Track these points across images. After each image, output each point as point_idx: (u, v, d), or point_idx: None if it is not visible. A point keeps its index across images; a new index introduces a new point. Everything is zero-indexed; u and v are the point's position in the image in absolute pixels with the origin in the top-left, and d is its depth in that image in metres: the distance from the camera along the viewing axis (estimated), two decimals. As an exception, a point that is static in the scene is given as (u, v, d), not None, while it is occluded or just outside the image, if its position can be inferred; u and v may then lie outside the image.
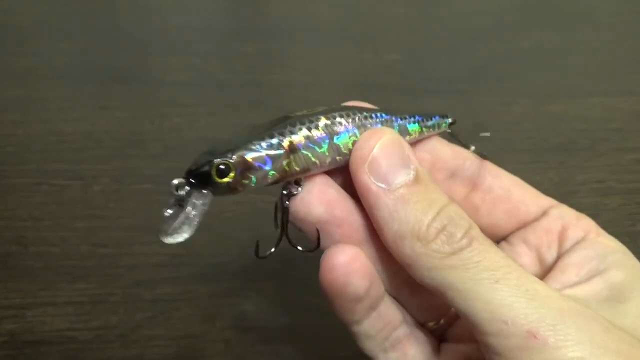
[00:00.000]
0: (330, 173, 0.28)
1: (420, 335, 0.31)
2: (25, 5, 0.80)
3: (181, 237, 0.23)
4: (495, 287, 0.23)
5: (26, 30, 0.75)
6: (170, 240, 0.23)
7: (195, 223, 0.24)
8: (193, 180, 0.24)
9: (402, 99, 0.64)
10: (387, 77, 0.70)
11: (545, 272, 0.30)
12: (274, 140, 0.25)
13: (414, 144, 0.30)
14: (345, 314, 0.28)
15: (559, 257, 0.30)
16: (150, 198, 0.49)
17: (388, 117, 0.28)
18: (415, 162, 0.26)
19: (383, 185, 0.25)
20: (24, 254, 0.44)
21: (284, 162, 0.25)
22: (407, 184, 0.25)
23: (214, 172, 0.24)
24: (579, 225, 0.30)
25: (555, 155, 0.57)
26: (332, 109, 0.27)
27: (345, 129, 0.27)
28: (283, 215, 0.27)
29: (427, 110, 0.31)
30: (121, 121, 0.58)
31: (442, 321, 0.32)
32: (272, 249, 0.28)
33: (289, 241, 0.28)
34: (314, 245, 0.27)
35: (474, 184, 0.32)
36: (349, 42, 0.78)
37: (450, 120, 0.31)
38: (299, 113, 0.27)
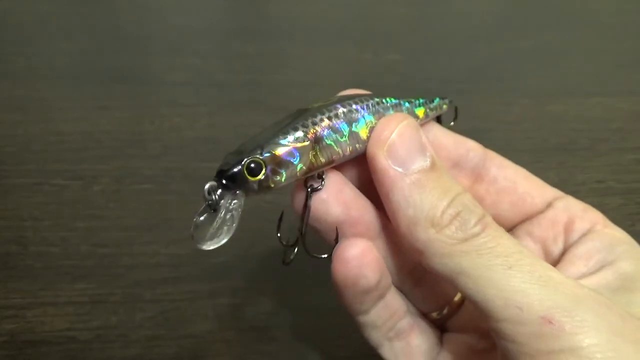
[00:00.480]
0: (340, 169, 0.28)
1: (424, 325, 0.31)
2: (25, 5, 0.80)
3: (220, 242, 0.23)
4: (509, 273, 0.23)
5: (26, 30, 0.75)
6: (210, 246, 0.23)
7: (233, 226, 0.24)
8: (225, 182, 0.24)
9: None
10: (387, 77, 0.70)
11: (552, 265, 0.30)
12: (299, 133, 0.25)
13: None
14: (355, 305, 0.28)
15: (565, 250, 0.30)
16: (150, 198, 0.49)
17: (397, 101, 0.29)
18: (431, 150, 0.26)
19: (400, 170, 0.25)
20: (24, 254, 0.44)
21: (311, 155, 0.25)
22: (423, 170, 0.25)
23: (245, 171, 0.24)
24: (586, 217, 0.30)
25: (555, 155, 0.57)
26: (345, 97, 0.28)
27: (362, 115, 0.27)
28: (305, 213, 0.26)
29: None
30: (121, 121, 0.58)
31: (445, 311, 0.32)
32: (295, 251, 0.28)
33: (305, 248, 0.27)
34: (333, 244, 0.27)
35: (478, 175, 0.31)
36: (349, 42, 0.78)
37: (449, 99, 0.32)
38: (316, 105, 0.27)
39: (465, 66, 0.73)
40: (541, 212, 0.31)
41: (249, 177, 0.24)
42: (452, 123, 0.33)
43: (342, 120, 0.26)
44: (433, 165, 0.25)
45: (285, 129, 0.25)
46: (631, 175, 0.55)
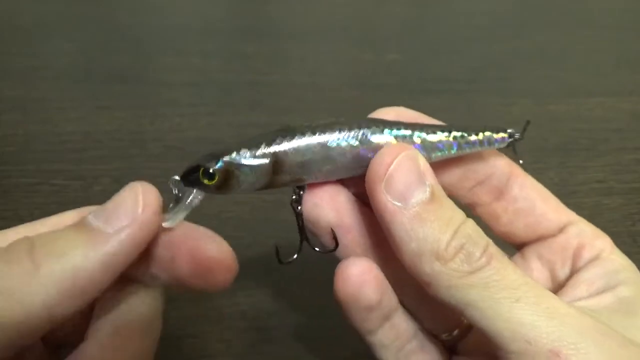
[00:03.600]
0: (345, 181, 0.28)
1: (433, 347, 0.31)
2: (25, 5, 0.80)
3: (172, 224, 0.25)
4: (516, 306, 0.23)
5: (26, 30, 0.75)
6: (165, 225, 0.25)
7: (183, 214, 0.26)
8: (186, 180, 0.27)
9: (402, 99, 0.64)
10: (387, 77, 0.70)
11: (556, 289, 0.30)
12: (259, 150, 0.26)
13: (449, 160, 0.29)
14: (359, 324, 0.29)
15: (571, 275, 0.30)
16: (150, 198, 0.49)
17: (408, 131, 0.27)
18: (430, 179, 0.25)
19: (399, 204, 0.24)
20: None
21: (270, 172, 0.26)
22: (423, 202, 0.25)
23: (201, 176, 0.26)
24: (595, 244, 0.30)
25: (555, 155, 0.57)
26: (334, 122, 0.27)
27: (339, 140, 0.27)
28: (297, 219, 0.28)
29: (496, 124, 0.29)
30: (121, 121, 0.58)
31: (455, 332, 0.32)
32: (295, 255, 0.29)
33: (309, 244, 0.29)
34: (333, 247, 0.28)
35: (500, 192, 0.31)
36: (349, 42, 0.78)
37: (508, 134, 0.29)
38: (300, 124, 0.27)
39: (465, 66, 0.73)
40: (554, 235, 0.31)
41: (205, 181, 0.26)
42: (521, 161, 0.31)
43: (314, 143, 0.26)
44: (432, 196, 0.25)
45: (249, 144, 0.26)
46: (631, 175, 0.55)
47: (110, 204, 0.24)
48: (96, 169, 0.52)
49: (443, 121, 0.31)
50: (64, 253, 0.22)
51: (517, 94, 0.67)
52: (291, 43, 0.77)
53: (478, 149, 0.29)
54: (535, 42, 0.80)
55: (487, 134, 0.28)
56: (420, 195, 0.25)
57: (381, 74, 0.71)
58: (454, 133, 0.28)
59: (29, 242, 0.23)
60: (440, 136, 0.28)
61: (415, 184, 0.25)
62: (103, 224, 0.23)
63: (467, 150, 0.28)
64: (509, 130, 0.29)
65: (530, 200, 0.31)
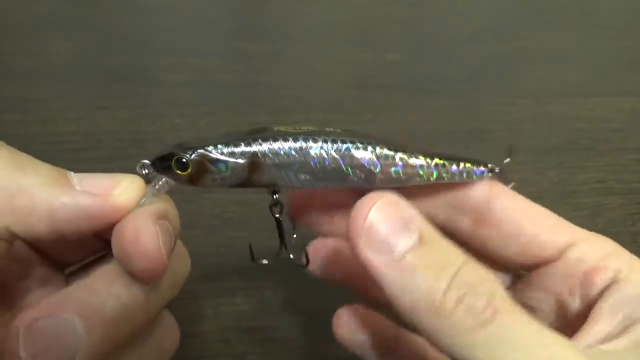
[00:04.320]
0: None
1: None
2: (25, 5, 0.80)
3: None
4: None
5: (26, 30, 0.75)
6: None
7: (150, 199, 0.26)
8: (157, 165, 0.26)
9: (402, 99, 0.64)
10: (387, 77, 0.70)
11: (569, 323, 0.27)
12: (238, 148, 0.26)
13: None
14: (366, 357, 0.32)
15: (587, 305, 0.26)
16: (150, 198, 0.49)
17: (390, 152, 0.27)
18: (417, 221, 0.23)
19: (385, 257, 0.22)
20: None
21: (245, 171, 0.26)
22: (411, 249, 0.22)
23: (173, 164, 0.26)
24: (607, 266, 0.26)
25: (555, 155, 0.57)
26: (318, 131, 0.27)
27: (320, 149, 0.26)
28: (277, 225, 0.29)
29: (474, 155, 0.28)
30: (121, 121, 0.58)
31: None
32: (265, 261, 0.30)
33: (286, 250, 0.30)
34: (305, 263, 0.31)
35: (480, 216, 0.28)
36: (349, 42, 0.78)
37: (488, 170, 0.28)
38: (283, 128, 0.27)
39: (465, 66, 0.73)
40: (554, 259, 0.28)
41: (176, 170, 0.26)
42: (512, 184, 0.29)
43: (293, 149, 0.26)
44: (422, 240, 0.22)
45: (228, 140, 0.26)
46: (631, 175, 0.55)
47: (96, 174, 0.26)
48: (96, 169, 0.51)
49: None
50: (24, 170, 0.24)
51: (517, 94, 0.67)
52: (291, 43, 0.77)
53: (456, 179, 0.28)
54: (535, 42, 0.80)
55: (468, 165, 0.28)
56: (406, 242, 0.22)
57: (381, 74, 0.71)
58: (436, 160, 0.27)
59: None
60: (421, 161, 0.27)
61: (398, 231, 0.22)
62: (76, 180, 0.26)
63: (445, 179, 0.28)
64: (489, 165, 0.28)
65: (517, 222, 0.28)
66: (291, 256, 0.29)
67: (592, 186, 0.53)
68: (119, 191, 0.25)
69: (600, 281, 0.26)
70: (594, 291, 0.26)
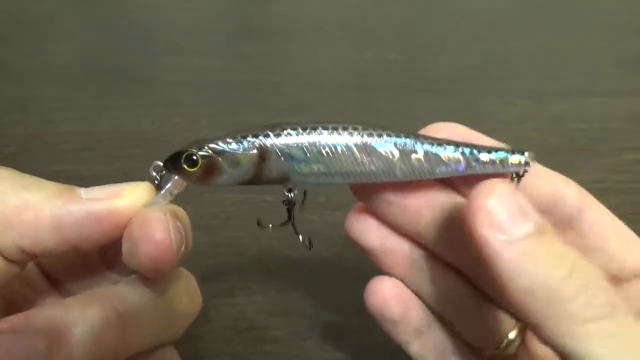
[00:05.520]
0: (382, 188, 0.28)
1: None
2: (25, 5, 0.80)
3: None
4: None
5: (26, 30, 0.75)
6: None
7: (164, 202, 0.26)
8: (168, 165, 0.26)
9: (402, 99, 0.64)
10: (387, 77, 0.70)
11: None
12: (246, 142, 0.26)
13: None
14: (392, 335, 0.31)
15: None
16: (150, 198, 0.49)
17: (408, 140, 0.26)
18: (534, 213, 0.23)
19: (504, 237, 0.22)
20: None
21: (255, 165, 0.26)
22: (530, 235, 0.22)
23: (183, 162, 0.26)
24: None
25: (555, 155, 0.57)
26: (331, 122, 0.26)
27: (333, 141, 0.25)
28: (289, 216, 0.28)
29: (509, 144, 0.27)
30: (121, 121, 0.58)
31: (501, 347, 0.31)
32: (270, 225, 0.29)
33: (295, 231, 0.29)
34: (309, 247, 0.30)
35: (568, 225, 0.28)
36: (349, 42, 0.78)
37: (525, 159, 0.27)
38: (294, 122, 0.26)
39: (465, 66, 0.73)
40: (629, 280, 0.27)
41: (186, 167, 0.26)
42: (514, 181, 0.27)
43: (304, 141, 0.25)
44: (539, 230, 0.22)
45: (236, 134, 0.26)
46: (631, 175, 0.55)
47: (104, 185, 0.26)
48: (96, 169, 0.52)
49: (442, 121, 0.31)
50: (27, 187, 0.24)
51: (517, 94, 0.67)
52: (291, 43, 0.77)
53: (490, 169, 0.26)
54: (535, 42, 0.80)
55: (500, 153, 0.26)
56: (525, 228, 0.22)
57: (381, 74, 0.71)
58: (462, 149, 0.26)
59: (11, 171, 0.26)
60: (446, 150, 0.26)
61: (518, 216, 0.22)
62: (83, 192, 0.25)
63: (477, 170, 0.26)
64: (526, 153, 0.27)
65: (603, 238, 0.28)
66: (300, 238, 0.29)
67: (592, 186, 0.53)
68: (126, 193, 0.25)
69: None
70: None
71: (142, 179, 0.26)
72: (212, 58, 0.72)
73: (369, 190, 0.28)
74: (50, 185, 0.25)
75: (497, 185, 0.23)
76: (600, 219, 0.28)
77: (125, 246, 0.25)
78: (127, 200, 0.25)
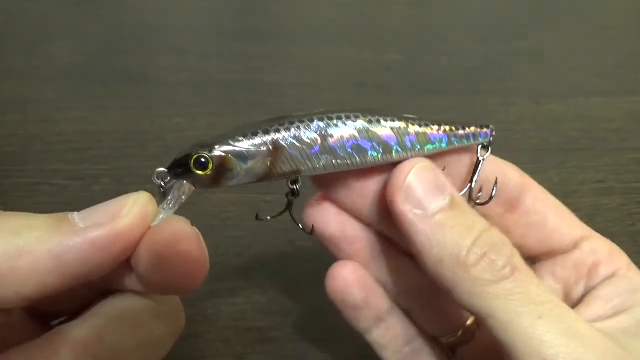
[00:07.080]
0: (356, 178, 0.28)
1: (433, 351, 0.32)
2: (25, 5, 0.80)
3: (157, 222, 0.24)
4: (538, 323, 0.23)
5: (26, 30, 0.75)
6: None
7: (172, 210, 0.24)
8: (174, 171, 0.25)
9: (402, 99, 0.64)
10: (387, 77, 0.70)
11: (570, 306, 0.29)
12: (257, 138, 0.25)
13: (449, 158, 0.29)
14: (353, 322, 0.31)
15: (586, 293, 0.29)
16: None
17: (401, 123, 0.27)
18: (450, 188, 0.26)
19: (419, 212, 0.25)
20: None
21: (267, 161, 0.25)
22: (443, 209, 0.25)
23: (192, 165, 0.25)
24: (611, 262, 0.29)
25: (555, 155, 0.57)
26: (333, 111, 0.27)
27: (342, 131, 0.26)
28: (289, 207, 0.28)
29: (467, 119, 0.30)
30: (121, 121, 0.58)
31: (458, 335, 0.32)
32: (268, 217, 0.29)
33: (293, 219, 0.29)
34: (309, 231, 0.30)
35: (511, 205, 0.30)
36: (349, 42, 0.78)
37: (490, 130, 0.30)
38: (297, 114, 0.27)
39: (465, 66, 0.73)
40: (567, 251, 0.30)
41: (197, 171, 0.24)
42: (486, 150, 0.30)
43: (313, 132, 0.26)
44: (452, 203, 0.25)
45: (245, 131, 0.25)
46: (631, 175, 0.55)
47: (98, 205, 0.23)
48: (96, 169, 0.52)
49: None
50: (18, 231, 0.22)
51: (517, 94, 0.67)
52: (291, 43, 0.77)
53: (465, 143, 0.29)
54: (535, 42, 0.80)
55: (473, 129, 0.29)
56: (439, 202, 0.25)
57: (381, 74, 0.71)
58: (444, 126, 0.28)
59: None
60: (432, 129, 0.28)
61: (434, 192, 0.25)
62: (78, 219, 0.23)
63: (455, 144, 0.29)
64: (490, 126, 0.30)
65: (543, 214, 0.30)
66: (300, 226, 0.29)
67: (591, 186, 0.53)
68: (125, 212, 0.23)
69: (603, 272, 0.29)
70: (596, 281, 0.29)
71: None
72: (212, 58, 0.72)
73: (331, 178, 0.29)
74: (42, 221, 0.23)
75: (417, 163, 0.26)
76: (539, 197, 0.31)
77: (145, 265, 0.23)
78: (129, 218, 0.23)
